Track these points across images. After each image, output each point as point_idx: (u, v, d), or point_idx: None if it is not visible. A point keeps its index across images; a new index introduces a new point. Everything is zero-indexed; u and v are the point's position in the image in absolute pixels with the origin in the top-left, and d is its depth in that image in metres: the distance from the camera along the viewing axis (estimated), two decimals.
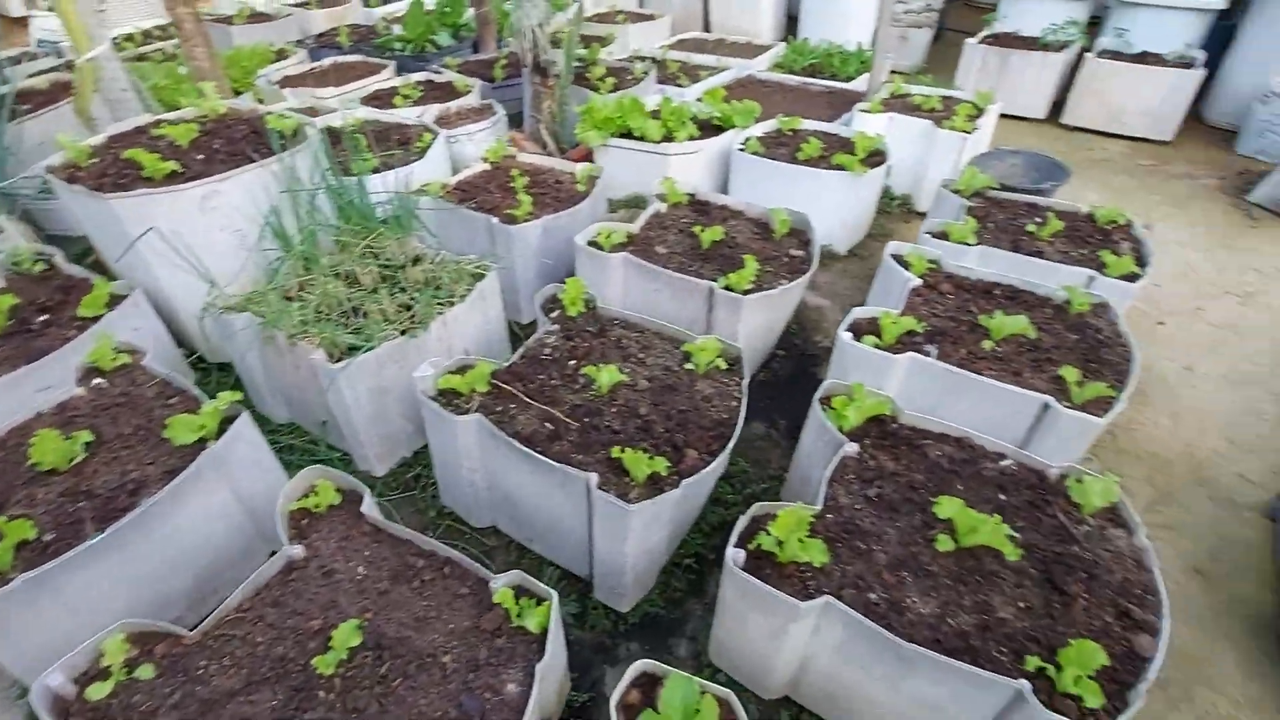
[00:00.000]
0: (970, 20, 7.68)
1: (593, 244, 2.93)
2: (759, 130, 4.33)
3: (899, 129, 4.34)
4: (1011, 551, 1.63)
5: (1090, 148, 5.44)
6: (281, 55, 6.15)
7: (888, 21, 4.61)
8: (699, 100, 4.53)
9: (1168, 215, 4.44)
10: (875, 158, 3.91)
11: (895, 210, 4.47)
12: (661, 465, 1.84)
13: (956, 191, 3.38)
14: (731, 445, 1.97)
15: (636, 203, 4.28)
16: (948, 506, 1.70)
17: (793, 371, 3.13)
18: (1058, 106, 5.78)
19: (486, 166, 3.72)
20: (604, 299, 2.98)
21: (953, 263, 2.78)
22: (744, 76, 5.89)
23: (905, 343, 2.38)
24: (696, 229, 3.01)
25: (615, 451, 1.87)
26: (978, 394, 2.20)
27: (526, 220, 3.10)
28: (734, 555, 1.64)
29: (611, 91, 4.95)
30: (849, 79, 5.78)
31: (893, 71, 7.20)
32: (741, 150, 3.98)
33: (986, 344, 2.39)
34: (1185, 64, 5.27)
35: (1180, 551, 2.38)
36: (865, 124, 4.33)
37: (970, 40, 5.88)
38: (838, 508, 1.83)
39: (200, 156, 2.79)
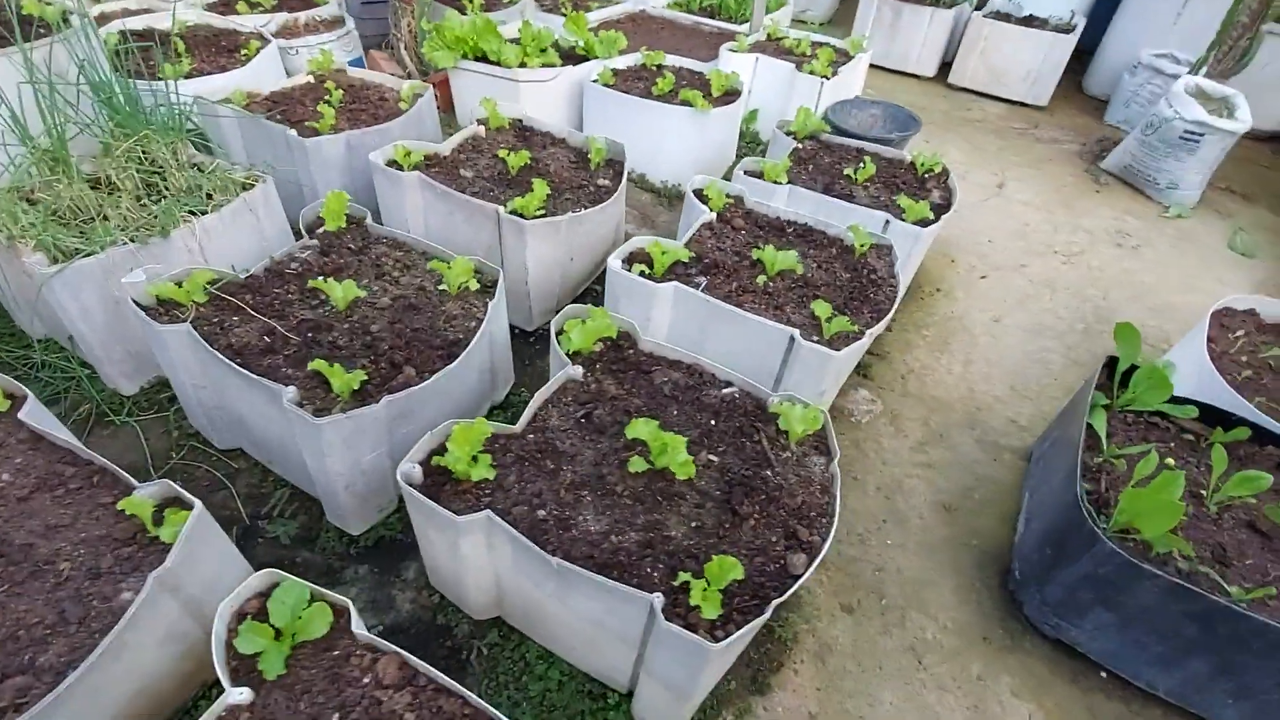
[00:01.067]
0: None
1: (392, 163, 2.77)
2: (622, 63, 4.17)
3: (765, 71, 4.25)
4: (684, 471, 1.62)
5: (970, 108, 5.48)
6: None
7: None
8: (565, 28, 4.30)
9: (1022, 176, 4.52)
10: (730, 97, 3.82)
11: (759, 153, 4.41)
12: (357, 380, 1.76)
13: (790, 133, 3.33)
14: (457, 364, 1.90)
15: None
16: (640, 428, 1.67)
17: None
18: (950, 67, 5.77)
19: (309, 79, 3.46)
20: (400, 222, 2.84)
21: (755, 200, 2.74)
22: (637, 11, 5.67)
23: (676, 273, 2.33)
24: (502, 153, 2.87)
25: (314, 364, 1.77)
26: (738, 326, 2.18)
27: (329, 134, 2.90)
28: (405, 471, 1.59)
29: (480, 11, 4.68)
30: (745, 21, 5.63)
31: (798, 21, 7.08)
32: (595, 82, 3.82)
33: (761, 279, 2.36)
34: (1065, 30, 5.32)
35: (934, 488, 2.46)
36: (730, 64, 4.22)
37: None
38: (543, 428, 1.78)
39: None
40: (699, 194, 2.71)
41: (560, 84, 3.96)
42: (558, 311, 2.94)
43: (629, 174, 3.97)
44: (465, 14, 4.60)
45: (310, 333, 1.97)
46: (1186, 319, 3.36)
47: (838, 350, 2.04)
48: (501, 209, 2.50)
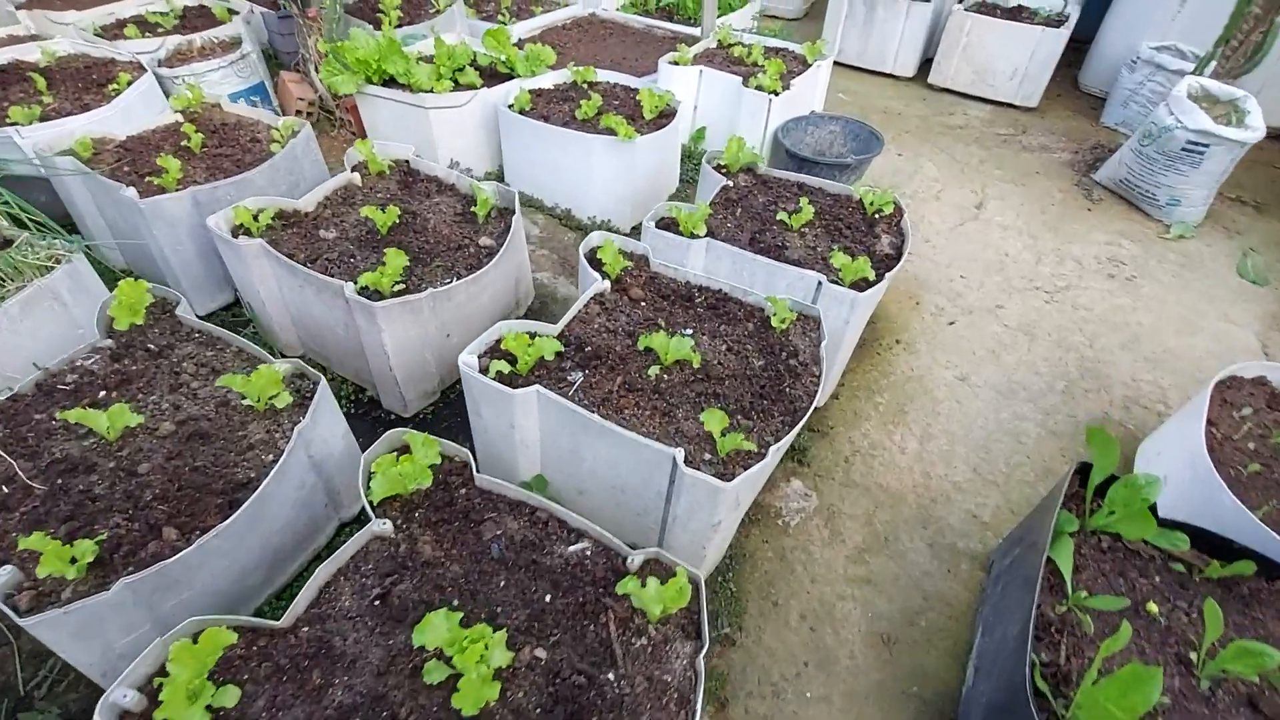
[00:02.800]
0: None
1: (239, 228, 2.37)
2: (548, 80, 3.73)
3: (710, 86, 3.79)
4: (483, 696, 1.21)
5: (951, 112, 4.98)
6: None
7: None
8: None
9: (1005, 194, 4.04)
10: (665, 119, 3.38)
11: None
12: (87, 555, 1.36)
13: (720, 167, 2.88)
14: (234, 520, 1.50)
15: None
16: (433, 628, 1.27)
17: None
18: (931, 66, 5.26)
19: (177, 117, 3.06)
20: (256, 299, 2.44)
21: (661, 262, 2.31)
22: (585, 16, 5.21)
23: (549, 368, 1.92)
24: (368, 211, 2.44)
25: (26, 542, 1.37)
26: (613, 442, 1.76)
27: (175, 190, 2.50)
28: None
29: (399, 25, 4.25)
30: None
31: (770, 17, 6.58)
32: (510, 108, 3.39)
33: (654, 370, 1.94)
34: (1056, 22, 4.80)
35: (872, 613, 2.04)
36: (672, 79, 3.76)
37: None
38: (325, 616, 1.38)
39: None
40: (592, 258, 2.28)
41: (474, 109, 3.53)
42: (441, 391, 2.55)
43: (554, 209, 3.56)
44: (381, 29, 4.18)
45: (62, 478, 1.58)
46: (1187, 371, 2.89)
47: (726, 481, 1.62)
48: (349, 286, 2.09)
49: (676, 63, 3.77)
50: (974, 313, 3.16)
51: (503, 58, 3.76)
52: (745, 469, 1.68)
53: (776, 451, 1.71)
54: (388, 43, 3.51)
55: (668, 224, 2.48)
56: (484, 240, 2.42)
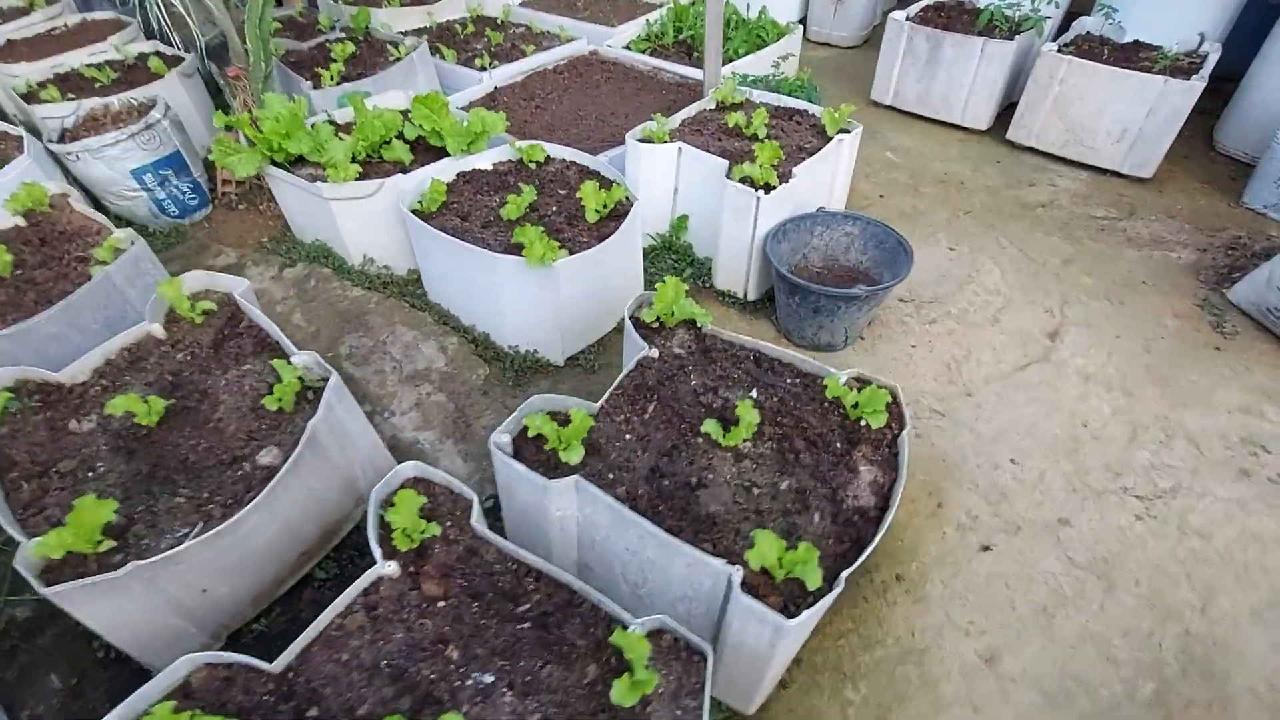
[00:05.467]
0: None
1: None
2: (490, 158, 3.00)
3: (691, 167, 2.94)
4: None
5: (1033, 181, 3.87)
6: (32, 6, 4.94)
7: None
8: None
9: (1093, 317, 2.96)
10: (617, 220, 2.58)
11: (688, 281, 3.10)
12: None
13: (644, 325, 2.05)
14: None
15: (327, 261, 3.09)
16: None
17: None
18: (1011, 116, 4.15)
19: (19, 221, 2.53)
20: None
21: (484, 532, 1.52)
22: (584, 54, 4.44)
23: None
24: (116, 406, 1.77)
25: None
26: None
27: None
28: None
29: (340, 81, 3.63)
30: (728, 61, 4.28)
31: (821, 44, 5.58)
32: (415, 212, 2.67)
33: None
34: (1186, 66, 3.61)
35: None
36: (640, 159, 2.94)
37: (895, 14, 4.25)
38: None
39: None
40: (382, 522, 1.52)
41: (388, 199, 2.84)
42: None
43: (471, 330, 2.80)
44: (318, 87, 3.58)
45: None
46: None
47: None
48: (29, 547, 1.44)
49: (650, 139, 2.94)
50: (1023, 531, 2.19)
51: (427, 128, 3.04)
52: None
53: None
54: (289, 115, 2.88)
55: (510, 449, 1.68)
56: (265, 458, 1.71)
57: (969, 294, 3.06)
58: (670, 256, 3.18)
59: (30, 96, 3.57)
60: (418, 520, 1.48)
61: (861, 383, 1.87)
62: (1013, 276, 3.17)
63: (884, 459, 1.71)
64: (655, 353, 1.94)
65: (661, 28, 4.72)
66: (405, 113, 3.18)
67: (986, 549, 2.14)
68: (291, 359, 1.85)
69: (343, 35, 4.17)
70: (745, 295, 2.97)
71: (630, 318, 2.02)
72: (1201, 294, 3.07)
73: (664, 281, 2.01)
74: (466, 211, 2.70)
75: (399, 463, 1.65)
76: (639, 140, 2.91)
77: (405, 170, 2.93)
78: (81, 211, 2.57)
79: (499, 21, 4.93)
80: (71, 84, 3.72)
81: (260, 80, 3.39)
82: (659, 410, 1.80)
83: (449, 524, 1.54)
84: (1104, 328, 2.90)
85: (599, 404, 1.77)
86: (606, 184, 2.70)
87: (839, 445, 1.73)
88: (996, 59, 3.98)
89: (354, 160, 2.99)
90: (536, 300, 2.47)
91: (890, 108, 4.57)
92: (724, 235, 2.84)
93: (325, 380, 1.81)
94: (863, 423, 1.76)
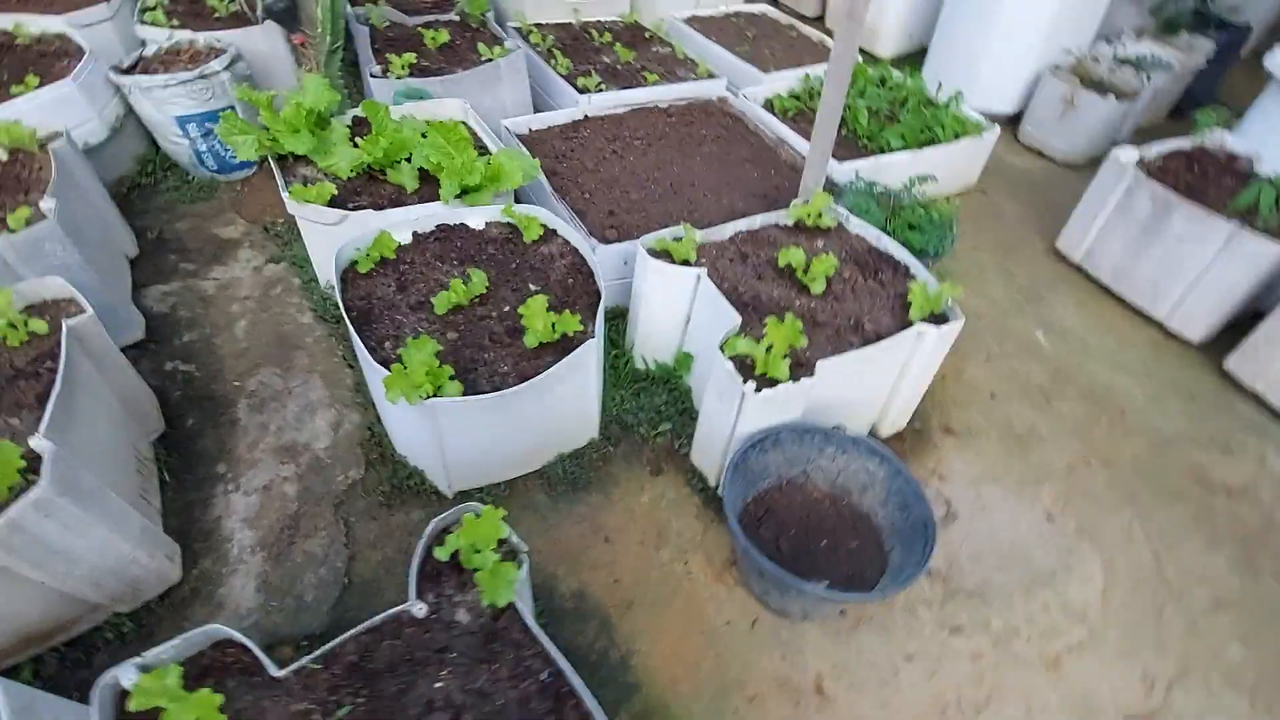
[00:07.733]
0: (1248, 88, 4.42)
1: None
2: (485, 216, 2.51)
3: (708, 303, 2.22)
4: None
5: (1234, 448, 2.64)
6: None
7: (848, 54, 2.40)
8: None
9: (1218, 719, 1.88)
10: (562, 353, 1.97)
11: (664, 436, 2.41)
12: None
13: (430, 557, 1.44)
14: None
15: None
16: None
17: None
18: (1240, 338, 2.89)
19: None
20: None
21: None
22: (710, 100, 3.76)
23: None
24: None
25: None
26: None
27: None
28: None
29: (411, 74, 3.26)
30: (877, 153, 3.40)
31: (1034, 150, 4.41)
32: (353, 263, 2.23)
33: None
34: None
35: None
36: (648, 277, 2.27)
37: (1123, 151, 3.09)
38: None
39: None
40: None
41: (353, 231, 2.44)
42: None
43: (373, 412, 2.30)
44: (385, 74, 3.25)
45: None
46: None
47: None
48: None
49: (666, 252, 2.26)
50: None
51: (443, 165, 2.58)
52: None
53: None
54: (292, 109, 2.56)
55: None
56: None
57: (1038, 603, 2.08)
58: (662, 394, 2.50)
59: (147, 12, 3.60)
60: None
61: None
62: (1121, 598, 2.12)
63: None
64: (421, 609, 1.34)
65: (797, 95, 3.85)
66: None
67: None
68: (30, 440, 1.49)
69: (456, 18, 3.83)
70: (716, 488, 2.23)
71: (425, 549, 1.43)
72: None
73: (484, 509, 1.39)
74: (407, 281, 2.22)
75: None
76: (650, 252, 2.24)
77: (404, 201, 2.53)
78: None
79: (646, 35, 4.36)
80: (190, 7, 3.67)
81: (324, 53, 3.12)
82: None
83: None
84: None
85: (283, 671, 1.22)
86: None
87: None
88: (1247, 258, 2.74)
89: (363, 171, 2.65)
90: (415, 425, 1.94)
91: (1076, 267, 3.42)
92: (707, 408, 2.12)
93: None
94: None
